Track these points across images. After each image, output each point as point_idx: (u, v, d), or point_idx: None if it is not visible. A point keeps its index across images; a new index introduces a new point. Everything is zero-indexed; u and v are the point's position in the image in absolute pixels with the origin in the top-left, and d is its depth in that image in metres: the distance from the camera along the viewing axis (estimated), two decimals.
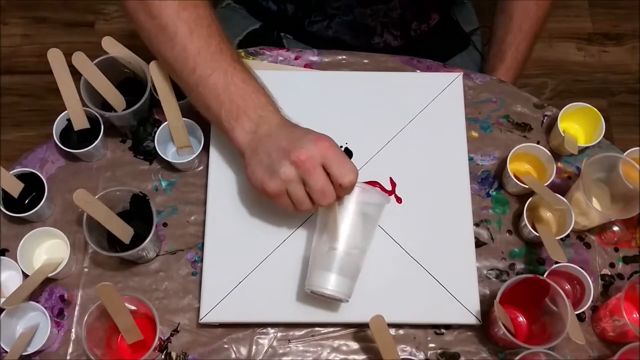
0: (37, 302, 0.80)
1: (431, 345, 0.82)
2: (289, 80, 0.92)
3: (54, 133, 0.85)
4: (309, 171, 0.70)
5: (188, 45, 0.75)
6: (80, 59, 0.82)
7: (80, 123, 0.85)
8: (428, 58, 0.97)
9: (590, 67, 1.76)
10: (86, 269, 0.84)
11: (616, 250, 0.87)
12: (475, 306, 0.81)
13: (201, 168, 0.89)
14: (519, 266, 0.86)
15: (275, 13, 1.06)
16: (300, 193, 0.72)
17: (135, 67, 0.87)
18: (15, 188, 0.83)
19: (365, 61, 0.96)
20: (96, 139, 0.84)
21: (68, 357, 0.80)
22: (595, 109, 0.89)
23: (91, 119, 0.86)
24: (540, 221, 0.86)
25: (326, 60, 0.96)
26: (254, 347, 0.81)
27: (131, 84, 0.88)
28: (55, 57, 0.81)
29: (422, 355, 0.82)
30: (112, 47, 0.86)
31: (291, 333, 0.82)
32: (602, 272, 0.86)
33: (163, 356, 0.81)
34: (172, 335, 0.82)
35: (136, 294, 0.79)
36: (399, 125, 0.89)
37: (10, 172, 0.83)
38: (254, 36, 1.08)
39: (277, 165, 0.71)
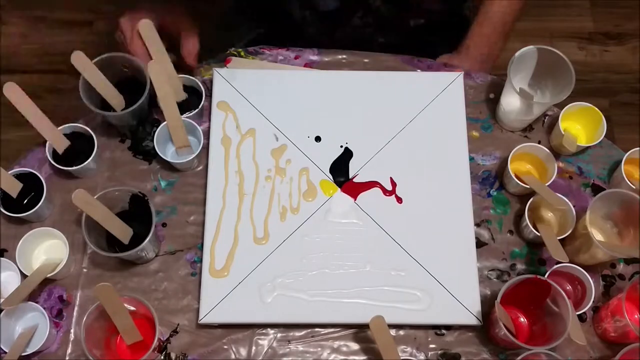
0: (36, 302, 0.80)
1: (432, 345, 0.82)
2: (289, 80, 0.92)
3: (47, 152, 0.84)
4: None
5: None
6: (79, 58, 0.81)
7: (61, 145, 0.84)
8: (430, 54, 0.96)
9: (592, 66, 1.76)
10: (85, 270, 0.84)
11: None
12: (476, 307, 0.81)
13: (200, 168, 0.89)
14: (520, 266, 0.86)
15: (281, 18, 1.05)
16: None
17: (135, 66, 0.87)
18: (14, 188, 0.82)
19: (366, 60, 0.96)
20: (92, 147, 0.84)
21: (67, 358, 0.80)
22: (596, 109, 0.89)
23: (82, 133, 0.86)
24: (542, 221, 0.86)
25: (326, 59, 0.96)
26: (253, 347, 0.81)
27: (130, 84, 0.88)
28: (12, 92, 0.79)
29: (422, 356, 0.81)
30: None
31: (291, 334, 0.82)
32: (603, 273, 0.86)
33: (162, 357, 0.80)
34: (171, 336, 0.81)
35: (135, 295, 0.78)
36: (399, 125, 0.89)
37: (9, 172, 0.83)
38: (256, 42, 1.07)
39: None
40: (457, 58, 0.99)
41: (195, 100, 0.89)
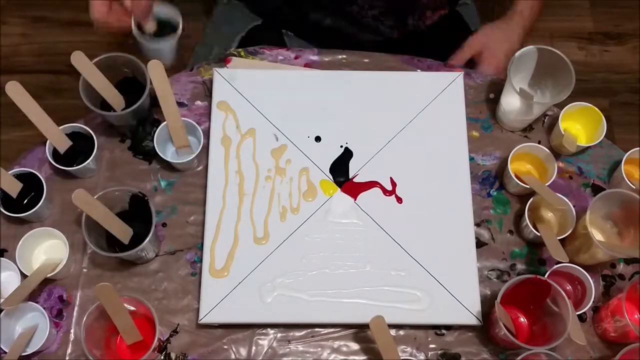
0: (36, 302, 0.80)
1: (432, 346, 0.82)
2: (289, 80, 0.92)
3: (47, 152, 0.84)
4: None
5: None
6: (79, 59, 0.81)
7: (63, 145, 0.84)
8: (431, 54, 0.97)
9: (592, 66, 1.76)
10: (85, 270, 0.84)
11: None
12: (476, 307, 0.81)
13: (200, 168, 0.89)
14: (520, 266, 0.86)
15: (275, 8, 1.06)
16: None
17: (135, 67, 0.87)
18: (14, 188, 0.82)
19: (366, 60, 0.96)
20: (92, 147, 0.84)
21: (67, 358, 0.80)
22: (596, 109, 0.89)
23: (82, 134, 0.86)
24: (542, 221, 0.86)
25: (326, 59, 0.95)
26: (253, 347, 0.81)
27: (130, 84, 0.88)
28: (14, 91, 0.79)
29: (422, 356, 0.81)
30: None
31: (291, 334, 0.82)
32: (603, 273, 0.86)
33: (162, 357, 0.80)
34: (171, 335, 0.81)
35: (135, 295, 0.78)
36: (399, 125, 0.89)
37: (9, 172, 0.83)
38: (255, 33, 1.08)
39: None
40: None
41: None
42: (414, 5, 1.03)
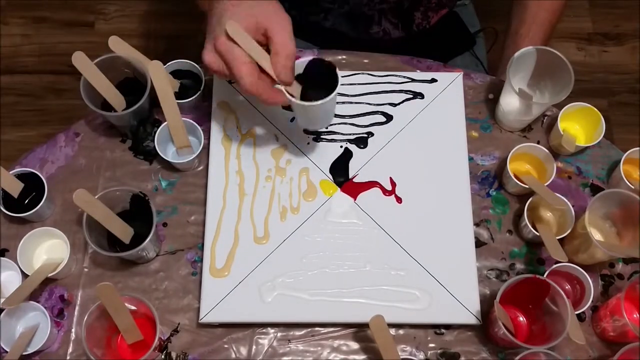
0: (37, 302, 0.80)
1: (431, 345, 0.82)
2: None
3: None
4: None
5: None
6: (80, 59, 0.81)
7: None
8: (430, 55, 0.97)
9: (591, 67, 1.76)
10: (86, 269, 0.84)
11: None
12: (476, 306, 0.81)
13: (201, 168, 0.89)
14: (519, 266, 0.86)
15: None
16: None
17: (136, 67, 0.87)
18: (15, 188, 0.83)
19: (366, 61, 0.96)
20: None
21: (68, 357, 0.80)
22: (595, 109, 0.89)
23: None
24: (541, 221, 0.86)
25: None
26: (254, 347, 0.81)
27: (131, 84, 0.88)
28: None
29: (422, 355, 0.82)
30: (119, 47, 0.85)
31: (291, 333, 0.82)
32: (602, 272, 0.86)
33: (163, 356, 0.81)
34: (172, 335, 0.82)
35: (136, 294, 0.79)
36: (399, 125, 0.89)
37: (10, 172, 0.83)
38: None
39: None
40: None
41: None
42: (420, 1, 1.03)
